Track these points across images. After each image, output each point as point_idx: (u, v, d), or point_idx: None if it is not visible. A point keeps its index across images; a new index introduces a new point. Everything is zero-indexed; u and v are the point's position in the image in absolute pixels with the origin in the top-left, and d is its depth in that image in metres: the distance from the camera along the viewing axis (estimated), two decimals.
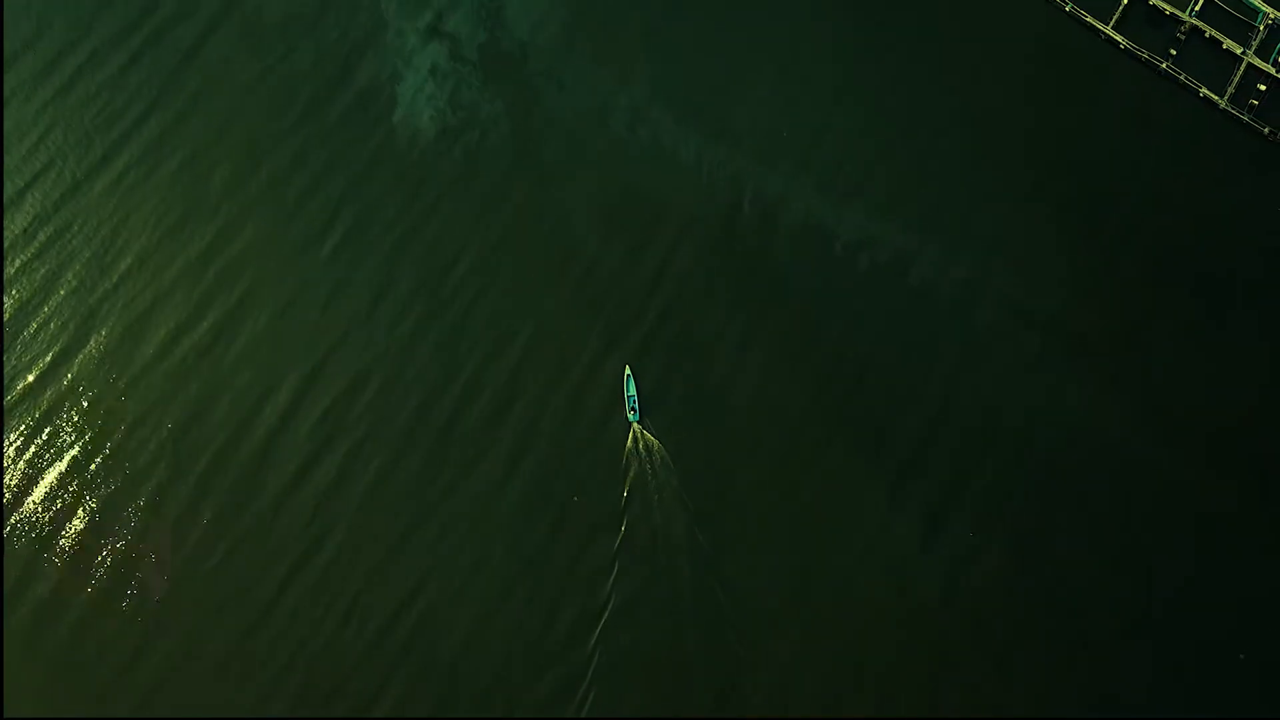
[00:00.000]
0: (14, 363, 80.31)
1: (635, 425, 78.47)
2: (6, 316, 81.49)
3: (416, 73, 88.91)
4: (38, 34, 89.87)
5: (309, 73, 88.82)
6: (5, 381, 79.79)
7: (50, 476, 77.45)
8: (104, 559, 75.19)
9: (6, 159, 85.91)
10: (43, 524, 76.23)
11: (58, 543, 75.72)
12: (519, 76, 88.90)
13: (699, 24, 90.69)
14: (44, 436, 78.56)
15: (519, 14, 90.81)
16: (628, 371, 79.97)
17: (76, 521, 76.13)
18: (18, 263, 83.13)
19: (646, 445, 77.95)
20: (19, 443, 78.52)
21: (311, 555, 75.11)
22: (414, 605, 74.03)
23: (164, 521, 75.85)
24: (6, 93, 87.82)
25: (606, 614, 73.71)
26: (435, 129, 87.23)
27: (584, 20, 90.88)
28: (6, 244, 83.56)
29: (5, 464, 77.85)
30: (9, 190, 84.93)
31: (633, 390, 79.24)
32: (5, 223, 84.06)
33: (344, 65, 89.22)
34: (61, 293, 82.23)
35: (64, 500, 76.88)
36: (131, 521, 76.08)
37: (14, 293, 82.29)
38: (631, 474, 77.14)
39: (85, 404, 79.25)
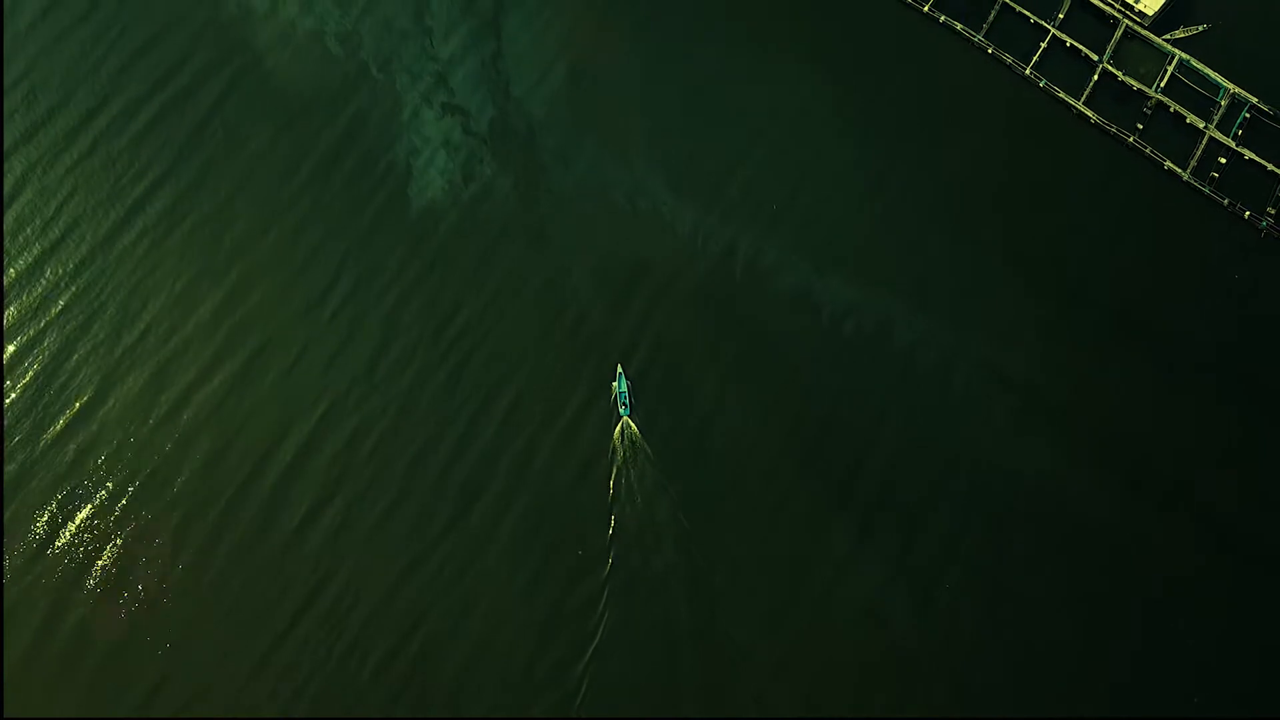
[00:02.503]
0: (40, 415, 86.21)
1: (626, 419, 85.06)
2: (35, 371, 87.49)
3: (430, 145, 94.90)
4: (62, 101, 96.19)
5: (325, 143, 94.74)
6: (34, 432, 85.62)
7: (77, 519, 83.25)
8: (126, 596, 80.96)
9: (32, 223, 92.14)
10: (70, 564, 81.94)
11: (85, 581, 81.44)
12: (526, 150, 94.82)
13: (695, 104, 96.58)
14: (71, 483, 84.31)
15: (526, 90, 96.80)
16: (619, 369, 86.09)
17: (101, 561, 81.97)
18: (43, 321, 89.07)
19: (631, 436, 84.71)
20: (48, 487, 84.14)
21: (319, 591, 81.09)
22: (419, 630, 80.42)
23: (181, 561, 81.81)
24: (33, 159, 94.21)
25: (604, 598, 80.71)
26: (446, 199, 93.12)
27: (586, 96, 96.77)
28: (33, 302, 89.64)
29: (36, 505, 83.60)
30: (34, 252, 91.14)
31: (624, 387, 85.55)
32: (32, 283, 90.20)
33: (359, 136, 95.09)
34: (84, 349, 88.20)
35: (90, 541, 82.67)
36: (151, 561, 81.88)
37: (43, 345, 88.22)
38: (619, 463, 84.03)
39: (107, 452, 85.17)
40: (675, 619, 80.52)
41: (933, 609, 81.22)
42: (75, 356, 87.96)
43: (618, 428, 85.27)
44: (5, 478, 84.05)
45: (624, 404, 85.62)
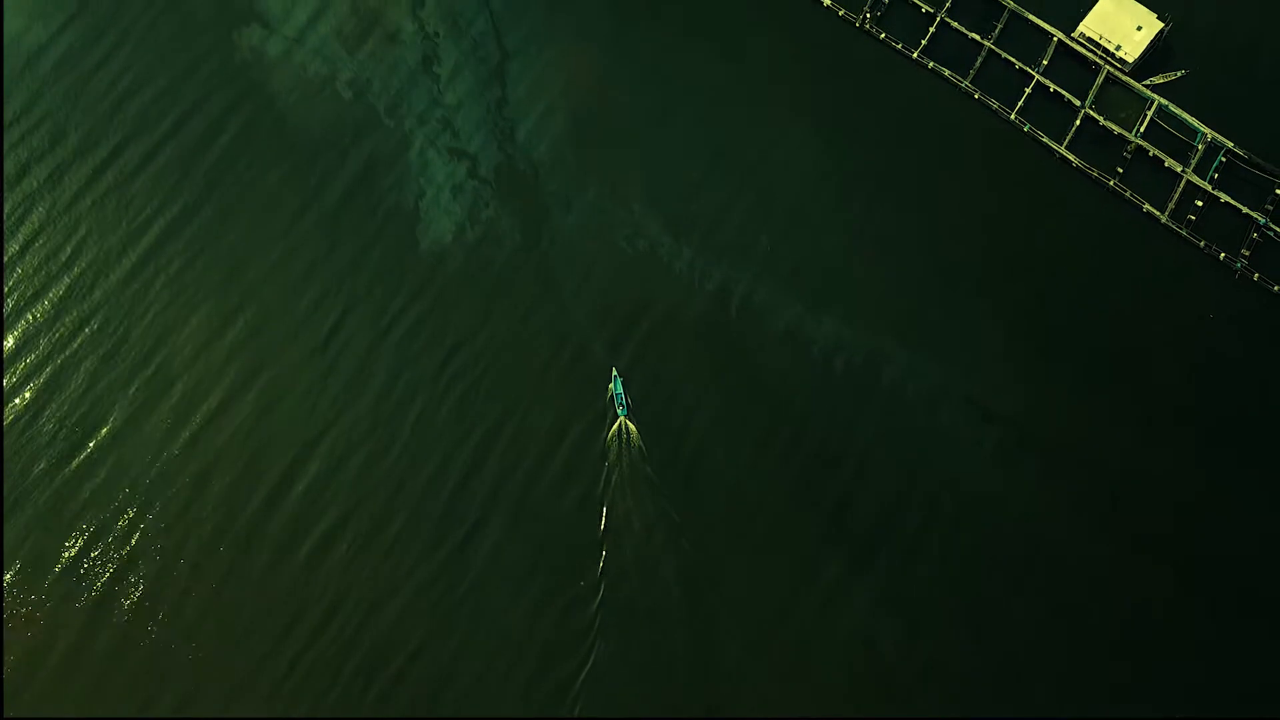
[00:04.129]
0: (47, 439, 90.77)
1: (623, 419, 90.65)
2: (50, 405, 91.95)
3: (436, 188, 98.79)
4: (76, 142, 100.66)
5: (335, 185, 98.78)
6: (42, 456, 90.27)
7: (85, 539, 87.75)
8: (128, 608, 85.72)
9: (40, 255, 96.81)
10: (79, 579, 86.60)
11: (90, 594, 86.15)
12: (529, 192, 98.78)
13: (691, 149, 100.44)
14: (78, 504, 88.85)
15: (529, 135, 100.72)
16: (614, 373, 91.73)
17: (107, 575, 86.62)
18: (44, 349, 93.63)
19: (628, 434, 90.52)
20: (57, 509, 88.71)
21: (321, 610, 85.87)
22: (416, 644, 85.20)
23: (183, 578, 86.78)
24: (47, 198, 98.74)
25: (599, 593, 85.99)
26: (452, 240, 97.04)
27: (587, 141, 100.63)
28: (39, 335, 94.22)
29: (50, 531, 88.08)
30: (48, 290, 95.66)
31: (619, 389, 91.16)
32: (39, 317, 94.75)
33: (368, 179, 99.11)
34: (98, 384, 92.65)
35: (97, 559, 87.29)
36: (155, 578, 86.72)
37: (46, 373, 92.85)
38: (611, 457, 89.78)
39: (118, 480, 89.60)
40: (665, 610, 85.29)
41: (918, 631, 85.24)
42: (89, 390, 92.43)
43: (614, 427, 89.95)
44: (22, 505, 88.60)
45: (620, 404, 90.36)
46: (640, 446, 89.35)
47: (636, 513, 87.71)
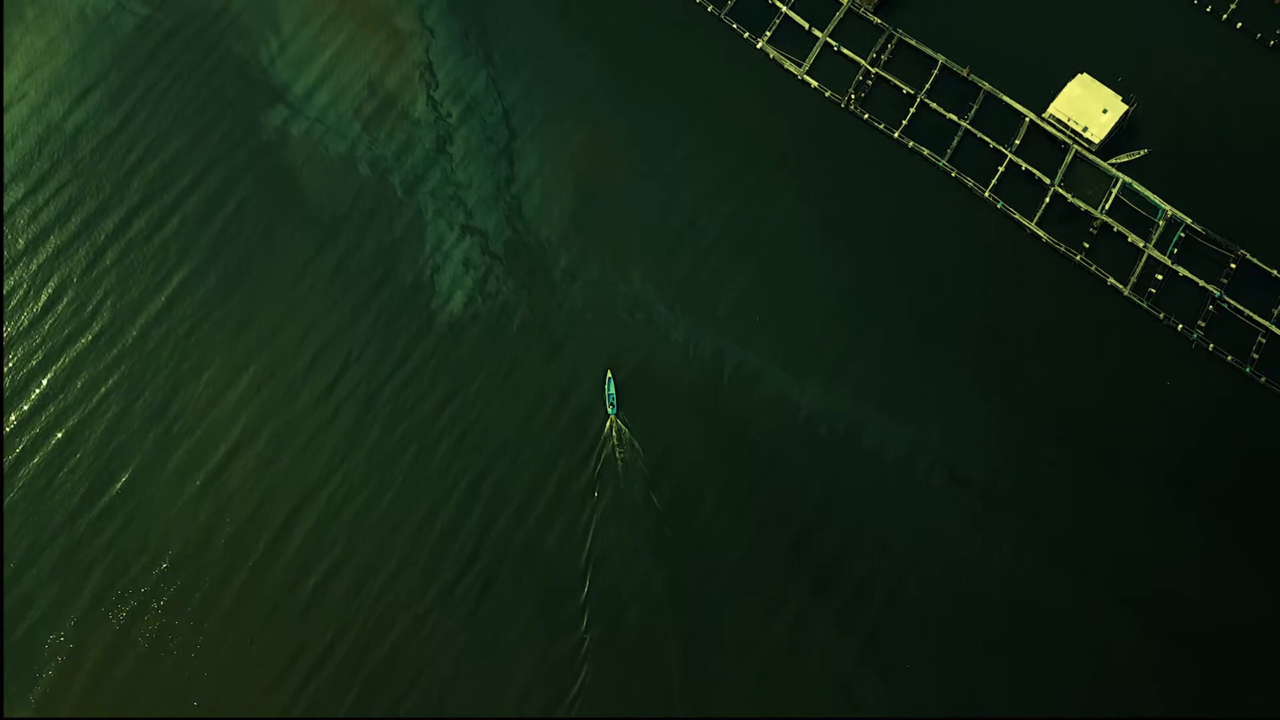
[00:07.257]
0: (69, 488, 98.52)
1: (613, 418, 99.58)
2: (65, 449, 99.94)
3: (450, 262, 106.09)
4: (84, 200, 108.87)
5: (351, 258, 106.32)
6: (65, 504, 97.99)
7: (105, 578, 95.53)
8: (143, 640, 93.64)
9: (62, 314, 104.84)
10: (99, 615, 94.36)
11: (110, 627, 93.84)
12: (537, 267, 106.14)
13: (688, 225, 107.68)
14: (99, 547, 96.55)
15: (536, 212, 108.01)
16: (609, 374, 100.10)
17: (125, 611, 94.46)
18: (67, 402, 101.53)
19: (620, 433, 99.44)
20: (79, 552, 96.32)
21: (316, 638, 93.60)
22: (410, 669, 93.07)
23: (196, 612, 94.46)
24: (55, 253, 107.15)
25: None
26: (464, 311, 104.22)
27: (591, 218, 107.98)
28: (62, 390, 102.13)
29: (67, 568, 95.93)
30: (61, 342, 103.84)
31: (612, 390, 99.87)
32: (62, 373, 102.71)
33: (384, 253, 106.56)
34: (120, 437, 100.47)
35: (116, 597, 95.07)
36: (169, 613, 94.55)
37: (66, 425, 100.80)
38: (604, 454, 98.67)
39: (129, 521, 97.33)
40: (654, 608, 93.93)
41: (894, 680, 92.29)
42: (108, 442, 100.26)
43: (607, 425, 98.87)
44: (47, 550, 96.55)
45: (611, 404, 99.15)
46: (632, 443, 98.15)
47: (626, 511, 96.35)
